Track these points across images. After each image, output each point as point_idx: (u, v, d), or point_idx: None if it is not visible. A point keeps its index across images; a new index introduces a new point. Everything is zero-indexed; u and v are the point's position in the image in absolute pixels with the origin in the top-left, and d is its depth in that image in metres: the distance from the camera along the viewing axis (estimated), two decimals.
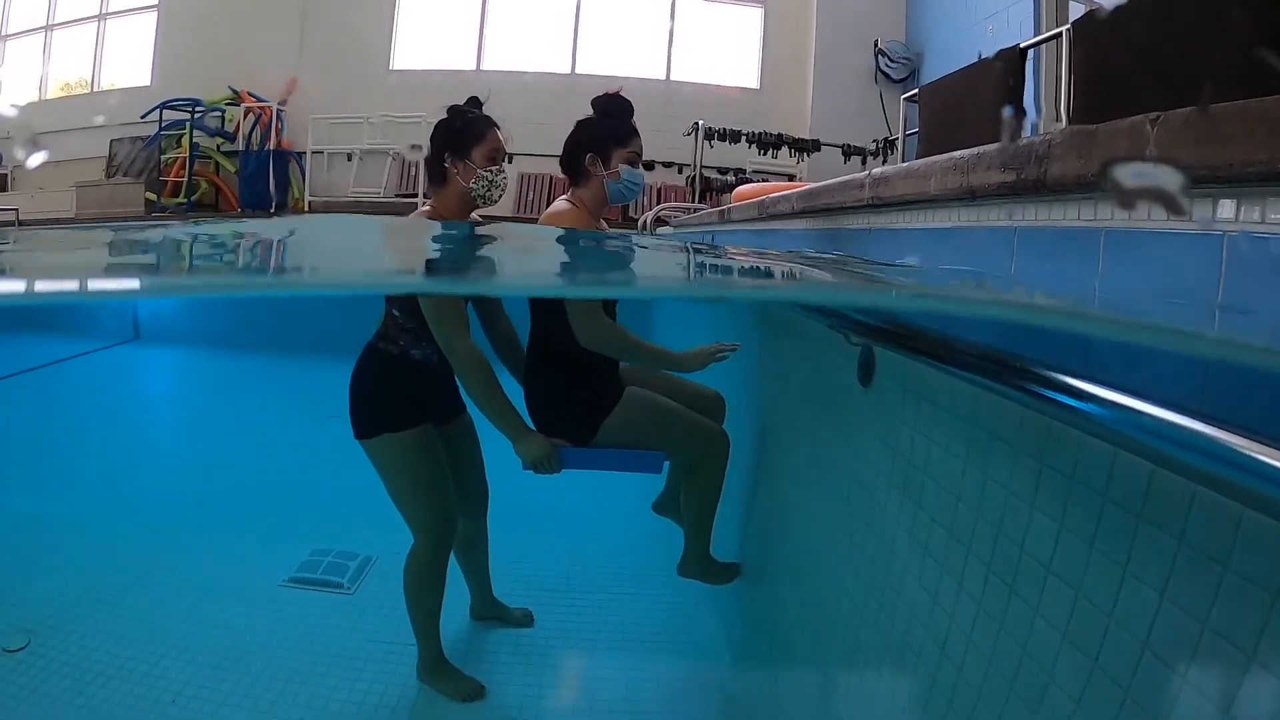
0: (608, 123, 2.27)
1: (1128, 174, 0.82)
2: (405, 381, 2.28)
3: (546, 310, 2.25)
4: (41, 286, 1.24)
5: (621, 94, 2.31)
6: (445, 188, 2.24)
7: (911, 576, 1.32)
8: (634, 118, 2.29)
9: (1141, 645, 0.80)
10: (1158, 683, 0.78)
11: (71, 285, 1.34)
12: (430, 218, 2.24)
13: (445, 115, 2.28)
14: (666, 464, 2.45)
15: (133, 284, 1.42)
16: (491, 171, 2.21)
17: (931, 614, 1.23)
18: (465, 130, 2.22)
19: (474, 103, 2.30)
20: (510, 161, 2.33)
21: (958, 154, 1.14)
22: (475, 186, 2.20)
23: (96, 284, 1.38)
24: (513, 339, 2.51)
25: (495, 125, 2.25)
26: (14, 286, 1.19)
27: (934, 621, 1.22)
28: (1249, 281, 0.77)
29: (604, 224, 2.39)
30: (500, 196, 2.28)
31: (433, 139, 2.27)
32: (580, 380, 2.26)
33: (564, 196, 2.30)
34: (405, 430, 2.25)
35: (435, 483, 2.33)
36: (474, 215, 2.34)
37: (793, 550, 2.16)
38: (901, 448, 1.40)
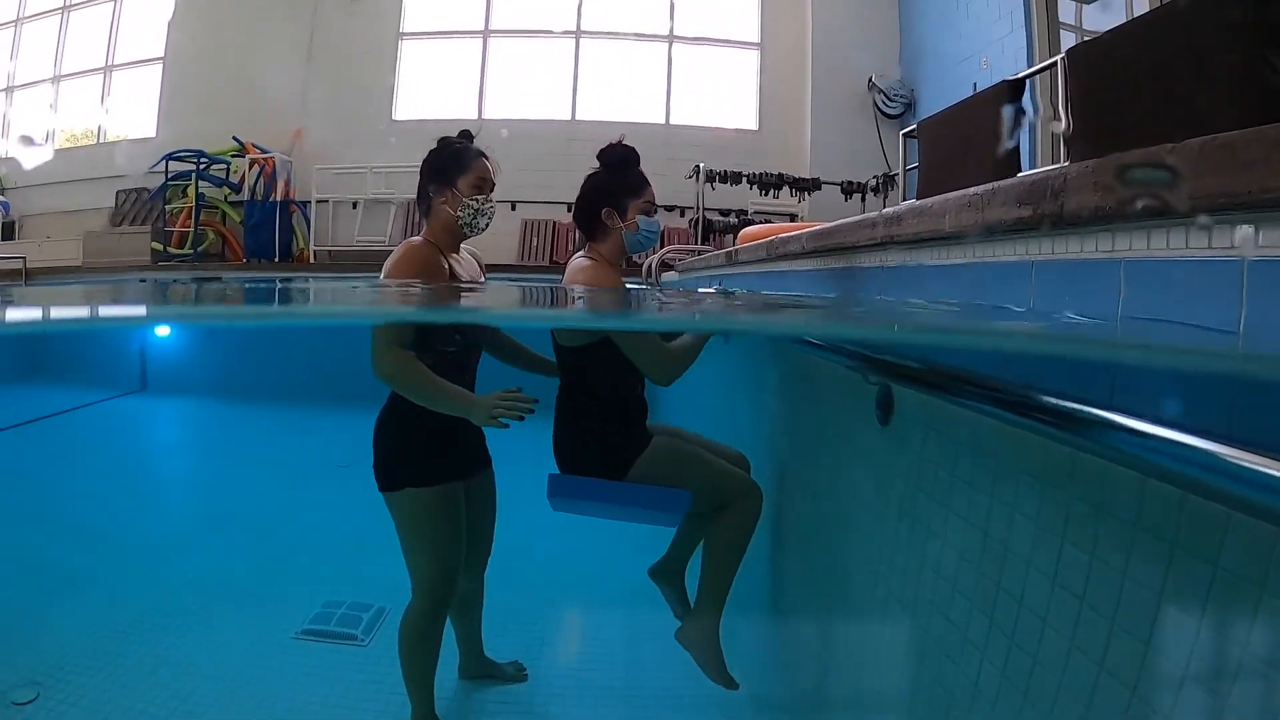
0: (619, 174, 2.27)
1: (1148, 201, 0.83)
2: (432, 433, 2.20)
3: (573, 358, 2.23)
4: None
5: (624, 142, 2.30)
6: (432, 218, 2.24)
7: (940, 614, 1.31)
8: (640, 164, 2.29)
9: (1182, 673, 0.79)
10: (1201, 712, 0.77)
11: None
12: (420, 248, 2.20)
13: (434, 147, 2.29)
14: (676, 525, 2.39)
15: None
16: (477, 200, 2.21)
17: (963, 651, 1.21)
18: (451, 160, 2.23)
19: (465, 135, 2.31)
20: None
21: (972, 190, 1.15)
22: (462, 215, 2.19)
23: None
24: (526, 351, 2.47)
25: (483, 155, 2.25)
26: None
27: (966, 659, 1.21)
28: (1271, 306, 0.77)
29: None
30: (487, 225, 2.25)
31: (421, 170, 2.28)
32: (610, 424, 2.22)
33: (582, 253, 2.29)
34: (430, 486, 2.21)
35: (449, 542, 2.28)
36: (463, 247, 2.33)
37: (815, 592, 2.14)
38: (924, 485, 1.39)
